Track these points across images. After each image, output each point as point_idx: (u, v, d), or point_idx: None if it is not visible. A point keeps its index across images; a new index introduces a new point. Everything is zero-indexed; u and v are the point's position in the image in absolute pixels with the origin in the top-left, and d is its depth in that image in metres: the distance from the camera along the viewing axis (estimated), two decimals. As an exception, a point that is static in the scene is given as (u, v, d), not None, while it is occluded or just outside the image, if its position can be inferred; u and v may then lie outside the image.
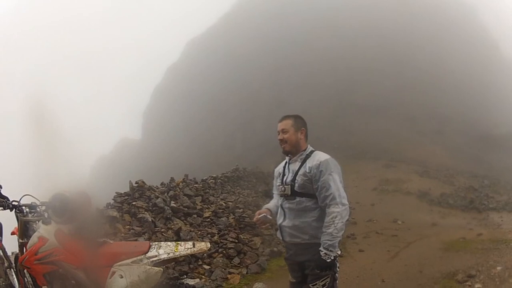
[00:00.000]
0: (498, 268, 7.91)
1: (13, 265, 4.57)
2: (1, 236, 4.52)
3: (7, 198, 4.34)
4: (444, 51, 55.32)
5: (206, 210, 12.67)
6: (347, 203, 3.94)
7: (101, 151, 75.49)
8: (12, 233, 4.47)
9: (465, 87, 51.80)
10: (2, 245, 4.51)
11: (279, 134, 4.20)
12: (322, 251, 3.78)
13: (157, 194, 12.18)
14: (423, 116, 44.19)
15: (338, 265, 3.98)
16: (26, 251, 3.96)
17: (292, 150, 4.20)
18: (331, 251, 3.78)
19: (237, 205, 13.85)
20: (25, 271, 4.15)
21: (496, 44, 67.65)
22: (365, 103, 45.05)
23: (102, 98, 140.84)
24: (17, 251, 4.43)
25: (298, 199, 4.07)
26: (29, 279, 4.30)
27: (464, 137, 41.76)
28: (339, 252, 3.92)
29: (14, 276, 4.51)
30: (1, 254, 4.44)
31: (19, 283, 4.45)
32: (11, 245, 4.63)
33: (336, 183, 3.91)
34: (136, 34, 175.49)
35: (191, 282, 7.27)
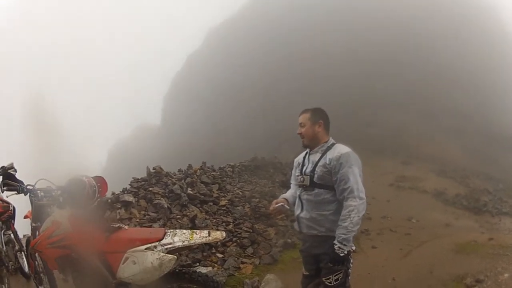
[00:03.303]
0: (506, 275, 7.79)
1: (24, 248, 4.61)
2: (14, 219, 4.55)
3: (21, 182, 4.37)
4: (465, 48, 54.24)
5: (223, 198, 12.66)
6: (364, 197, 3.89)
7: (119, 135, 76.06)
8: (25, 217, 4.51)
9: (485, 85, 50.82)
10: (14, 228, 4.55)
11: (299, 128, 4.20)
12: (336, 245, 3.77)
13: (174, 181, 12.23)
14: (443, 113, 43.40)
15: (351, 261, 3.98)
16: (39, 235, 3.98)
17: (310, 144, 4.17)
18: (345, 245, 3.76)
19: (253, 194, 13.82)
20: (37, 255, 4.18)
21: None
22: (386, 96, 44.48)
23: (115, 82, 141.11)
24: (29, 234, 4.47)
25: (316, 190, 4.05)
26: (40, 263, 4.33)
27: (482, 138, 40.96)
28: (353, 248, 3.90)
29: (25, 259, 4.56)
30: (13, 237, 4.48)
31: (29, 267, 4.49)
32: (22, 228, 4.67)
33: (355, 177, 3.88)
34: (151, 18, 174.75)
35: (203, 270, 7.31)
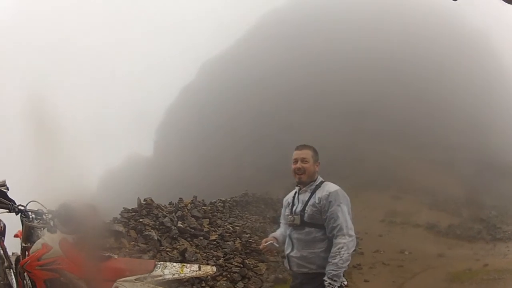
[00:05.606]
0: (502, 298, 7.78)
1: (13, 266, 4.56)
2: (4, 236, 4.53)
3: (13, 201, 4.35)
4: (456, 77, 55.04)
5: (213, 233, 12.59)
6: (354, 234, 3.91)
7: (111, 164, 75.62)
8: (15, 236, 4.47)
9: (472, 114, 51.24)
10: (4, 245, 4.50)
11: (296, 163, 4.15)
12: (326, 281, 3.74)
13: (165, 213, 12.15)
14: (434, 144, 43.76)
15: (343, 295, 3.94)
16: (28, 255, 3.95)
17: (307, 181, 4.17)
18: (335, 281, 3.72)
19: (244, 230, 13.75)
20: (25, 274, 4.14)
21: (507, 71, 66.70)
22: (376, 130, 44.87)
23: (108, 110, 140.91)
24: (18, 253, 4.42)
25: (307, 229, 4.04)
26: (29, 282, 4.28)
27: (474, 166, 41.19)
28: (345, 283, 3.87)
29: (13, 277, 4.50)
30: (2, 253, 4.44)
31: (17, 285, 4.43)
32: (12, 245, 4.63)
33: (344, 215, 3.89)
34: (142, 47, 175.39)
35: (193, 304, 7.20)
